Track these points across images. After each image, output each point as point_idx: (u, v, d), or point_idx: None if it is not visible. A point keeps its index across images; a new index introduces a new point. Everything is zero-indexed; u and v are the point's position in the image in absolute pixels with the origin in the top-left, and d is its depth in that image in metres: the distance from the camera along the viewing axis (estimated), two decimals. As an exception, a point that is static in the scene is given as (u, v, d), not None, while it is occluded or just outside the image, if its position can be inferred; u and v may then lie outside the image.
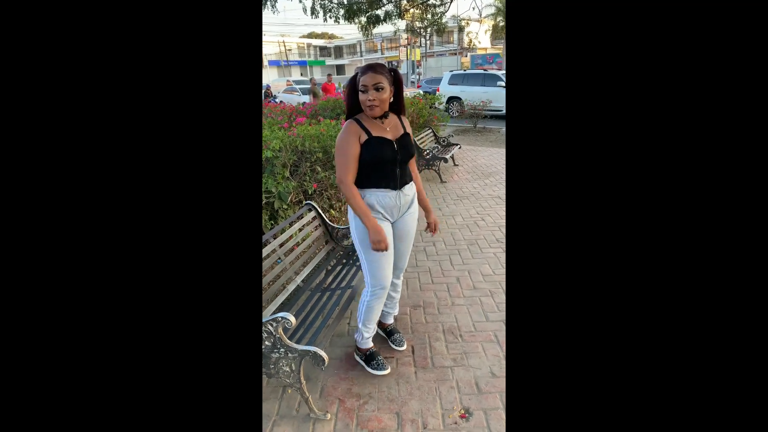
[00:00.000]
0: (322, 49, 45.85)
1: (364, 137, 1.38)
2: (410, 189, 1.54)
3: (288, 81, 15.45)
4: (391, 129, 1.44)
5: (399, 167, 1.45)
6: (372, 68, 1.34)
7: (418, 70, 23.76)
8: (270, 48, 34.79)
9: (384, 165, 1.41)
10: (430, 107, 6.18)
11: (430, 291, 2.34)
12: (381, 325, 1.92)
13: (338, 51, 46.69)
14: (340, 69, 43.06)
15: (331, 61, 43.95)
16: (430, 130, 5.33)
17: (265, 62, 34.04)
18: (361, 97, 1.35)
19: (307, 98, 10.58)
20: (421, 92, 10.09)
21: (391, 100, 1.40)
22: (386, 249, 1.40)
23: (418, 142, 4.60)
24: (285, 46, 34.62)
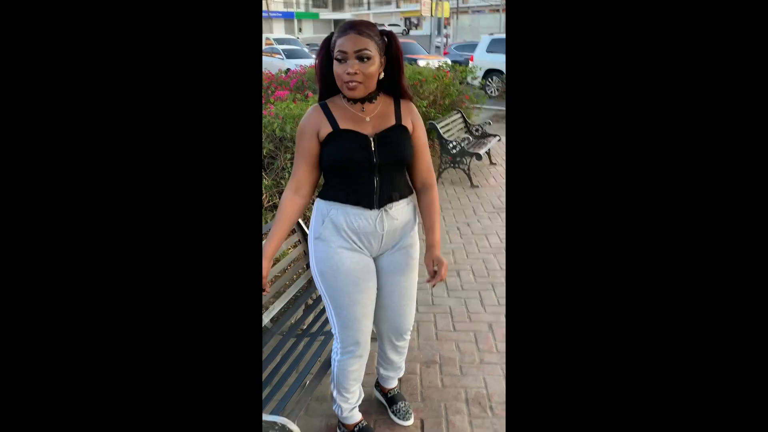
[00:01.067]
0: (316, -3, 46.48)
1: (327, 130, 1.31)
2: (402, 211, 1.43)
3: (267, 39, 15.34)
4: (373, 119, 1.35)
5: (378, 175, 1.34)
6: (355, 27, 1.23)
7: (445, 30, 23.93)
8: (246, -6, 35.45)
9: (352, 171, 1.33)
10: (461, 83, 6.19)
11: (450, 342, 2.30)
12: (380, 389, 1.88)
13: (338, 1, 47.29)
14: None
15: (326, 14, 44.53)
16: (460, 115, 5.33)
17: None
18: (338, 68, 1.25)
19: (292, 64, 10.67)
20: (449, 61, 10.12)
21: (382, 76, 1.32)
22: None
23: (441, 131, 4.59)
24: (266, -9, 35.28)
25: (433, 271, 1.44)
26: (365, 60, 1.23)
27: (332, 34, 1.29)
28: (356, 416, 1.67)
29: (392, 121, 1.37)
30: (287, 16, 39.15)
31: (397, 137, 1.36)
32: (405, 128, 1.39)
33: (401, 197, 1.42)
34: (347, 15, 44.00)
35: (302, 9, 43.87)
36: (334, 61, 1.25)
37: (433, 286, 1.48)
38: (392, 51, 1.31)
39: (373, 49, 1.24)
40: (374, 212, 1.37)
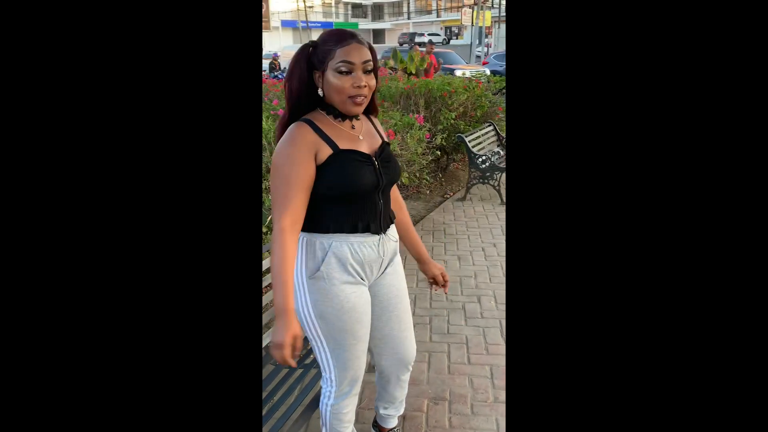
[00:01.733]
0: (356, 6, 47.55)
1: (326, 152, 1.20)
2: (394, 231, 1.42)
3: (303, 49, 16.39)
4: (365, 137, 1.30)
5: (382, 197, 1.31)
6: (355, 36, 1.18)
7: (487, 40, 23.83)
8: (284, 4, 36.90)
9: (358, 196, 1.25)
10: (495, 94, 6.07)
11: (463, 376, 2.18)
12: (379, 428, 1.78)
13: (377, 10, 48.18)
14: (378, 35, 44.25)
15: (366, 24, 45.41)
16: (492, 128, 5.22)
17: (276, 22, 36.49)
18: (342, 81, 1.16)
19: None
20: (487, 71, 10.00)
21: None
22: (282, 361, 1.15)
23: (471, 144, 4.49)
24: (305, 1, 36.51)
25: (442, 279, 1.55)
26: (371, 72, 1.19)
27: (312, 42, 1.23)
28: None
29: (379, 139, 1.33)
30: (326, 26, 40.21)
31: (391, 156, 1.33)
32: (389, 144, 1.37)
33: (394, 216, 1.41)
34: (387, 24, 44.71)
35: (341, 19, 44.91)
36: (335, 74, 1.16)
37: (446, 292, 1.58)
38: (376, 64, 1.25)
39: (372, 62, 1.20)
40: (378, 238, 1.32)
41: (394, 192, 1.45)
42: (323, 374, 1.43)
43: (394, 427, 1.75)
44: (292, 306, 1.17)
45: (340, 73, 1.15)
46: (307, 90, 1.23)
